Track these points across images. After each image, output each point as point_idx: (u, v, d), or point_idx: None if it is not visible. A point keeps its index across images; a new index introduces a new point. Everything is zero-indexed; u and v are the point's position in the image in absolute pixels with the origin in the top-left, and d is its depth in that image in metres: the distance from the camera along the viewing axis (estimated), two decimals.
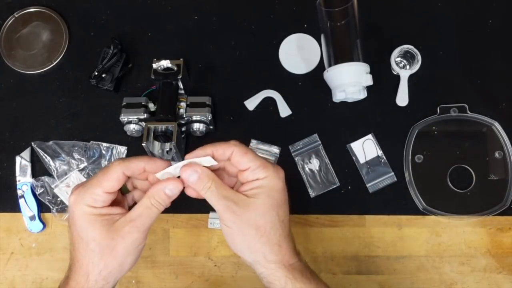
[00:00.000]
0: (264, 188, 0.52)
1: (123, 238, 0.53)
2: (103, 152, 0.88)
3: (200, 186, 0.54)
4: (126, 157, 0.88)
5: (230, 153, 0.54)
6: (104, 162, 0.87)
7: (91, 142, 0.88)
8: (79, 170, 0.87)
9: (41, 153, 0.87)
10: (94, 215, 0.52)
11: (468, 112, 0.86)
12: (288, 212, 0.54)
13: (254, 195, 0.52)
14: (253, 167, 0.52)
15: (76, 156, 0.87)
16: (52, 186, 0.86)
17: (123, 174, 0.53)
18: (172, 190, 0.54)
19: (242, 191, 0.53)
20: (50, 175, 0.87)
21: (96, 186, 0.52)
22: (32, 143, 0.88)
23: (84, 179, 0.86)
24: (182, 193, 0.87)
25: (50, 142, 0.88)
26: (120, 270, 0.55)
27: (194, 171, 0.54)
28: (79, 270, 0.55)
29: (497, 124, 0.85)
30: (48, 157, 0.87)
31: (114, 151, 0.88)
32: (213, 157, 0.55)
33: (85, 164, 0.87)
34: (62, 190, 0.86)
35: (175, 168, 0.57)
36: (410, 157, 0.85)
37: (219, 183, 0.54)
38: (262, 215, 0.51)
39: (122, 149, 0.88)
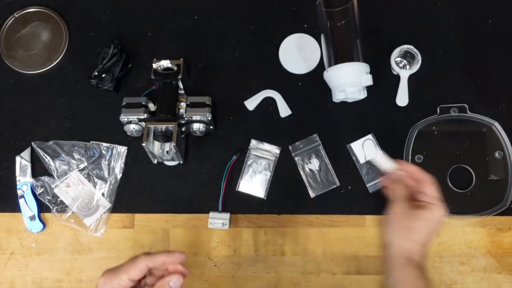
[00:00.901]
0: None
1: None
2: (103, 152, 0.88)
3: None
4: (126, 158, 0.88)
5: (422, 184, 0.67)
6: (104, 162, 0.87)
7: (91, 142, 0.88)
8: (79, 170, 0.87)
9: (41, 153, 0.87)
10: None
11: (468, 112, 0.86)
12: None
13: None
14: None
15: (76, 156, 0.87)
16: (52, 186, 0.86)
17: (146, 266, 0.62)
18: (175, 283, 0.62)
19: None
20: (50, 175, 0.87)
21: (123, 273, 0.62)
22: (32, 143, 0.88)
23: (84, 179, 0.86)
24: (182, 193, 0.87)
25: (50, 142, 0.88)
26: None
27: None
28: None
29: (497, 124, 0.85)
30: (48, 157, 0.87)
31: (114, 151, 0.88)
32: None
33: (85, 164, 0.87)
34: (62, 190, 0.86)
35: (386, 162, 0.70)
36: (410, 157, 0.85)
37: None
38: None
39: (122, 149, 0.88)
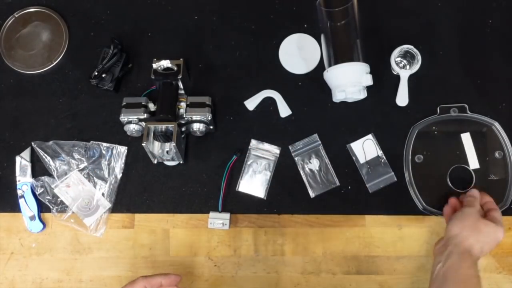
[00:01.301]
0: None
1: None
2: (103, 152, 0.88)
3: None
4: (126, 159, 0.88)
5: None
6: (104, 162, 0.87)
7: (91, 142, 0.88)
8: (79, 170, 0.87)
9: (41, 153, 0.87)
10: None
11: (468, 112, 0.86)
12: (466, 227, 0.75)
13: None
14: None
15: (76, 156, 0.87)
16: (52, 186, 0.86)
17: (144, 287, 0.70)
18: None
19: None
20: (50, 175, 0.87)
21: None
22: (32, 143, 0.88)
23: (84, 179, 0.86)
24: (182, 193, 0.87)
25: (50, 142, 0.88)
26: None
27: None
28: None
29: (497, 124, 0.85)
30: (48, 157, 0.87)
31: (114, 151, 0.88)
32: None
33: (85, 164, 0.87)
34: (62, 190, 0.86)
35: None
36: (410, 157, 0.85)
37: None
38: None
39: (122, 149, 0.88)
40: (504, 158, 0.85)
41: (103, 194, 0.86)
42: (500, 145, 0.85)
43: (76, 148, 0.88)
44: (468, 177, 0.85)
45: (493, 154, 0.85)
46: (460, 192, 0.84)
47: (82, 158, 0.87)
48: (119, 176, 0.87)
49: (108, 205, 0.86)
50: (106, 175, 0.87)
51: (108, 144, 0.88)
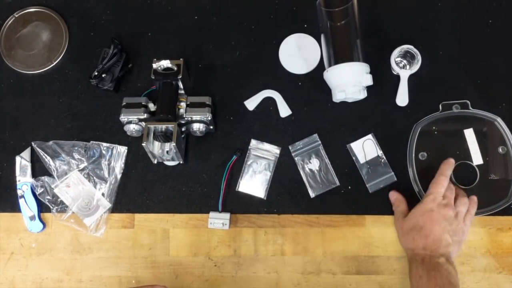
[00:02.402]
0: None
1: None
2: (103, 152, 0.88)
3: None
4: (126, 159, 0.88)
5: None
6: (104, 162, 0.87)
7: (91, 142, 0.88)
8: (79, 170, 0.87)
9: (41, 153, 0.87)
10: None
11: (470, 108, 0.86)
12: (427, 224, 0.77)
13: None
14: None
15: (76, 156, 0.87)
16: (52, 186, 0.86)
17: None
18: None
19: None
20: (50, 175, 0.87)
21: None
22: (32, 143, 0.88)
23: (84, 179, 0.86)
24: (182, 193, 0.87)
25: (50, 142, 0.88)
26: None
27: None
28: None
29: (499, 120, 0.85)
30: (48, 157, 0.87)
31: (114, 151, 0.88)
32: None
33: (85, 164, 0.87)
34: (62, 190, 0.86)
35: None
36: (413, 155, 0.85)
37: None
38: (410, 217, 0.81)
39: (122, 149, 0.88)
40: (508, 153, 0.85)
41: (103, 194, 0.86)
42: (503, 140, 0.85)
43: (76, 148, 0.88)
44: (472, 173, 0.85)
45: (496, 150, 0.85)
46: (464, 188, 0.84)
47: (82, 158, 0.87)
48: (119, 176, 0.87)
49: (108, 205, 0.86)
50: (106, 175, 0.87)
51: (108, 144, 0.88)
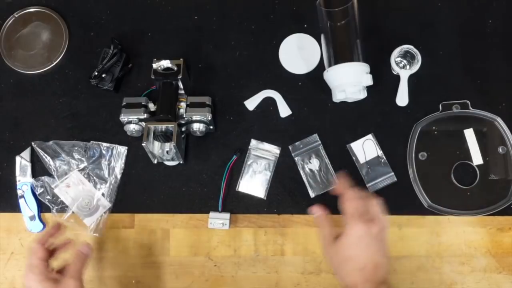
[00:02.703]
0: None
1: None
2: (103, 152, 0.88)
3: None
4: (126, 159, 0.88)
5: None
6: (104, 162, 0.87)
7: (91, 142, 0.88)
8: (79, 170, 0.87)
9: (41, 153, 0.87)
10: None
11: (470, 108, 0.86)
12: (361, 254, 0.68)
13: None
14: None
15: (76, 156, 0.87)
16: (52, 186, 0.86)
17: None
18: (84, 248, 0.77)
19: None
20: (50, 175, 0.87)
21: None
22: (32, 143, 0.88)
23: (84, 179, 0.86)
24: (182, 193, 0.87)
25: (50, 142, 0.88)
26: None
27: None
28: None
29: (499, 120, 0.85)
30: (48, 157, 0.87)
31: (114, 151, 0.88)
32: None
33: (85, 164, 0.87)
34: (62, 190, 0.86)
35: None
36: (414, 155, 0.85)
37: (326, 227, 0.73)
38: (338, 249, 0.70)
39: (122, 149, 0.88)
40: (508, 153, 0.85)
41: (103, 194, 0.86)
42: (503, 140, 0.85)
43: (76, 148, 0.88)
44: (472, 173, 0.85)
45: (496, 149, 0.85)
46: (464, 188, 0.84)
47: (82, 158, 0.87)
48: (119, 176, 0.87)
49: (108, 205, 0.86)
50: (106, 175, 0.87)
51: (108, 144, 0.88)
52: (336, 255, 0.68)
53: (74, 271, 0.74)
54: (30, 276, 0.72)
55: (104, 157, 0.88)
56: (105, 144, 0.88)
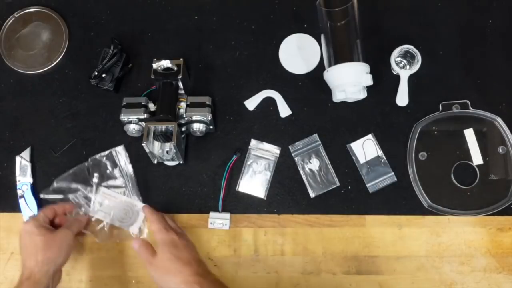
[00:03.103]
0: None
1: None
2: (105, 161, 0.86)
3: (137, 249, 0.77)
4: (128, 153, 0.88)
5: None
6: (113, 171, 0.86)
7: (89, 160, 0.86)
8: (98, 187, 0.85)
9: (58, 196, 0.85)
10: None
11: (470, 108, 0.86)
12: (184, 252, 0.74)
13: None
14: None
15: (87, 178, 0.85)
16: (91, 215, 0.84)
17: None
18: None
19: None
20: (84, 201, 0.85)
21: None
22: (41, 195, 0.85)
23: (112, 192, 0.85)
24: (182, 193, 0.87)
25: (54, 184, 0.85)
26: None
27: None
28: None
29: (499, 120, 0.85)
30: (62, 195, 0.85)
31: (114, 154, 0.87)
32: None
33: (97, 180, 0.85)
34: (99, 213, 0.84)
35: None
36: (413, 155, 0.85)
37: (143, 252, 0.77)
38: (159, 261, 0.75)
39: (118, 148, 0.87)
40: (508, 153, 0.85)
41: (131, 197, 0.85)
42: (503, 140, 0.85)
43: (80, 173, 0.85)
44: (472, 173, 0.85)
45: (496, 149, 0.85)
46: (464, 188, 0.84)
47: (94, 179, 0.85)
48: (133, 174, 0.85)
49: (141, 204, 0.84)
50: (121, 180, 0.86)
51: (105, 152, 0.87)
52: (161, 265, 0.73)
53: (70, 225, 0.79)
54: (29, 221, 0.77)
55: (110, 165, 0.86)
56: (102, 154, 0.87)
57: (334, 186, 0.85)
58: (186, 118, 0.84)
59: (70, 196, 0.84)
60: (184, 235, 0.78)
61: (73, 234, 0.79)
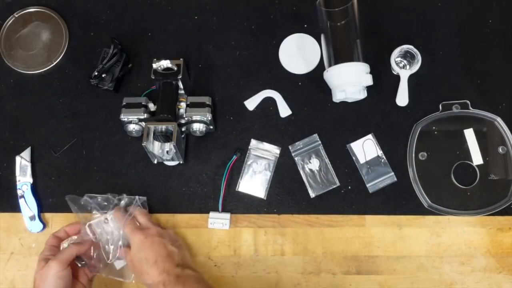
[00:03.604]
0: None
1: None
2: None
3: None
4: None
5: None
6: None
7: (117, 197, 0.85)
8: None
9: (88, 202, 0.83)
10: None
11: (470, 108, 0.86)
12: (149, 252, 0.76)
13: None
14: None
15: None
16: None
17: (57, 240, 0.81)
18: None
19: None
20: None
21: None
22: (67, 198, 0.83)
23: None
24: (182, 193, 0.87)
25: (84, 197, 0.84)
26: None
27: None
28: None
29: (499, 119, 0.85)
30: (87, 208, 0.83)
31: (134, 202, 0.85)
32: None
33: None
34: (99, 224, 0.81)
35: None
36: (413, 155, 0.85)
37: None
38: (131, 263, 0.78)
39: (140, 200, 0.85)
40: (508, 153, 0.85)
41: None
42: (503, 140, 0.85)
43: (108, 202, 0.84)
44: (472, 173, 0.85)
45: (496, 149, 0.85)
46: (464, 188, 0.84)
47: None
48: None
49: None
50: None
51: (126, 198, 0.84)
52: (132, 265, 0.77)
53: (60, 253, 0.75)
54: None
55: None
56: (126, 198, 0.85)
57: (334, 186, 0.85)
58: (186, 118, 0.84)
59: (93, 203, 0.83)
60: (152, 229, 0.78)
61: (62, 264, 0.73)
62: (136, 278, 0.81)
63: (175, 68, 0.84)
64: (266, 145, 0.87)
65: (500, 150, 0.85)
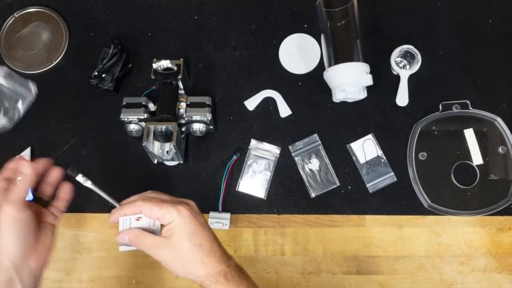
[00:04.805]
0: (173, 229, 0.63)
1: None
2: None
3: (134, 244, 0.66)
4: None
5: (139, 211, 0.64)
6: None
7: None
8: None
9: None
10: None
11: (470, 108, 0.86)
12: (204, 234, 0.63)
13: (169, 236, 0.63)
14: (161, 216, 0.63)
15: None
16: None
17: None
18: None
19: (163, 234, 0.64)
20: None
21: None
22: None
23: None
24: (182, 193, 0.87)
25: None
26: None
27: (124, 237, 0.66)
28: None
29: (499, 119, 0.85)
30: None
31: None
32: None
33: None
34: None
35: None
36: (413, 155, 0.85)
37: (143, 237, 0.65)
38: (179, 248, 0.62)
39: None
40: (508, 153, 0.85)
41: None
42: (503, 140, 0.85)
43: None
44: (472, 173, 0.85)
45: (496, 150, 0.85)
46: (464, 188, 0.84)
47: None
48: None
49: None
50: None
51: None
52: (178, 253, 0.62)
53: (14, 194, 0.62)
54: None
55: None
56: None
57: (334, 186, 0.85)
58: (186, 118, 0.84)
59: None
60: (190, 202, 0.64)
61: (14, 206, 0.61)
62: (179, 271, 0.63)
63: (175, 68, 0.84)
64: (266, 145, 0.87)
65: (500, 150, 0.85)
